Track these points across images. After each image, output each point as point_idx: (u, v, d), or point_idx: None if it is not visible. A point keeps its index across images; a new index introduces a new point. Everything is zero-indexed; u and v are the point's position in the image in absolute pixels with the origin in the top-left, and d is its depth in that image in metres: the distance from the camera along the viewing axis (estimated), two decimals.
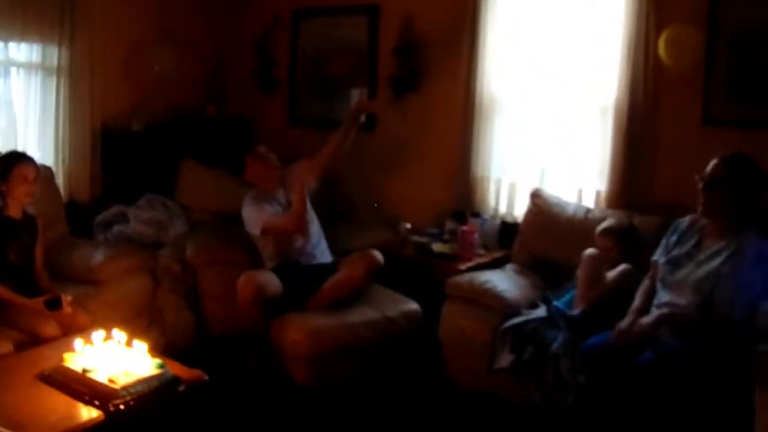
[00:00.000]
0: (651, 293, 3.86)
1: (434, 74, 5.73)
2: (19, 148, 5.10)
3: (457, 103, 5.52)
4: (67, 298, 4.08)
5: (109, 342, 3.49)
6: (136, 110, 6.07)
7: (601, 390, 3.62)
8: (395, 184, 5.94)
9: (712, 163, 3.68)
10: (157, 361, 3.41)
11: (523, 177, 5.37)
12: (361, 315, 4.67)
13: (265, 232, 4.87)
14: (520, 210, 5.31)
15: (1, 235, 4.22)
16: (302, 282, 4.74)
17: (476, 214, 5.40)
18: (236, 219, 5.14)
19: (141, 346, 3.44)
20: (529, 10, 5.24)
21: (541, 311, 4.29)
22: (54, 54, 5.41)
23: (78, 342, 3.46)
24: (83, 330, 3.87)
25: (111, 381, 3.22)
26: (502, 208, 5.48)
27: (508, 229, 5.32)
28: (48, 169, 5.21)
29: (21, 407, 3.15)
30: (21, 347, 3.80)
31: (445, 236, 5.38)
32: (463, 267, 4.94)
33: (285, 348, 4.51)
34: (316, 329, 4.48)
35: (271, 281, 4.63)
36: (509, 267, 4.91)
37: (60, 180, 5.51)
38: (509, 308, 4.37)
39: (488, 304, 4.43)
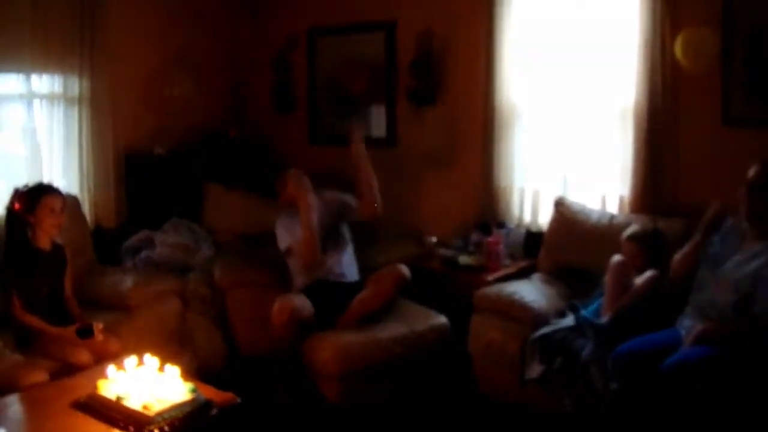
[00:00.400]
0: None
1: (453, 86, 5.75)
2: (45, 178, 5.19)
3: (477, 114, 5.54)
4: (98, 326, 4.13)
5: (142, 368, 3.51)
6: (158, 135, 6.12)
7: (633, 397, 3.60)
8: (419, 198, 5.94)
9: (754, 168, 3.70)
10: (190, 385, 3.42)
11: (546, 185, 5.37)
12: (389, 331, 4.67)
13: (288, 254, 4.91)
14: (544, 218, 5.31)
15: (31, 266, 4.26)
16: (331, 301, 4.75)
17: (501, 225, 5.40)
18: (262, 240, 5.17)
19: (173, 371, 3.46)
20: (544, 18, 5.24)
21: (569, 320, 4.28)
22: (75, 84, 5.46)
23: (111, 369, 3.48)
24: (115, 357, 3.88)
25: (145, 407, 3.23)
26: (527, 217, 5.48)
27: (533, 238, 5.32)
28: (74, 197, 5.25)
29: None
30: (55, 376, 3.82)
31: (471, 248, 5.38)
32: (490, 278, 4.95)
33: (316, 367, 4.52)
34: (345, 347, 4.49)
35: (305, 304, 4.65)
36: (536, 276, 4.91)
37: (86, 208, 5.54)
38: (537, 318, 4.36)
39: (516, 315, 4.44)
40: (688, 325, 3.76)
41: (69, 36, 5.35)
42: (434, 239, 5.48)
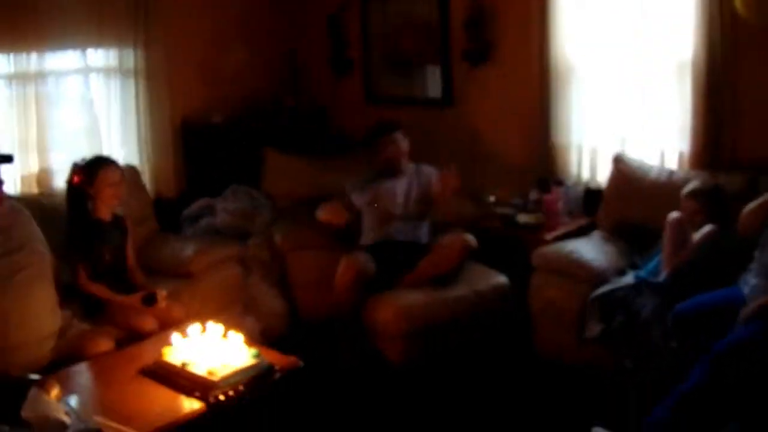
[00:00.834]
0: None
1: (507, 44, 5.67)
2: (104, 149, 5.31)
3: (533, 72, 5.46)
4: (162, 294, 4.21)
5: (206, 334, 3.58)
6: (214, 104, 6.16)
7: (693, 355, 3.57)
8: (476, 157, 5.89)
9: None
10: (253, 350, 3.47)
11: (604, 142, 5.28)
12: (451, 290, 4.69)
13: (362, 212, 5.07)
14: (603, 175, 5.24)
15: (93, 237, 4.35)
16: (394, 260, 4.80)
17: (559, 182, 5.35)
18: (321, 203, 5.20)
19: (236, 337, 3.52)
20: None
21: (629, 278, 4.25)
22: (130, 57, 5.53)
23: (176, 336, 3.55)
24: (179, 323, 3.96)
25: (210, 373, 3.30)
26: (585, 175, 5.41)
27: (592, 196, 5.27)
28: (133, 168, 5.35)
29: (126, 401, 3.27)
30: (121, 344, 3.92)
31: (530, 206, 5.34)
32: (549, 237, 4.92)
33: (377, 327, 4.57)
34: (407, 307, 4.53)
35: (369, 262, 4.71)
36: (595, 234, 4.87)
37: (146, 178, 5.63)
38: (597, 277, 4.34)
39: (576, 273, 4.42)
40: (753, 284, 3.66)
41: (123, 10, 5.41)
42: (493, 198, 5.46)
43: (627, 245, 4.67)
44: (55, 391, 3.01)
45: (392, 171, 5.06)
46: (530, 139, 5.57)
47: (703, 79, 4.68)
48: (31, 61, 5.05)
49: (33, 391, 2.95)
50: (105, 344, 3.82)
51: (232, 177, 5.95)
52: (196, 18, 6.09)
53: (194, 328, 3.58)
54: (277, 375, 3.45)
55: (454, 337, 4.67)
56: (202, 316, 3.78)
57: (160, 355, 3.49)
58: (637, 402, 3.82)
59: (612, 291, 4.19)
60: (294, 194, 5.91)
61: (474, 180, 5.63)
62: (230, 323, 3.75)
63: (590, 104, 5.31)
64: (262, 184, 6.05)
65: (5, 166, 4.19)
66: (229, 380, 3.29)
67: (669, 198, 4.45)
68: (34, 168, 5.14)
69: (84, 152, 5.07)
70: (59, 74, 5.26)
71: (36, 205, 4.54)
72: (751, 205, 3.81)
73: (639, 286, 4.13)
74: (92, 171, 4.38)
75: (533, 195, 5.33)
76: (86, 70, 5.40)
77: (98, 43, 5.36)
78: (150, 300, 4.18)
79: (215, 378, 3.28)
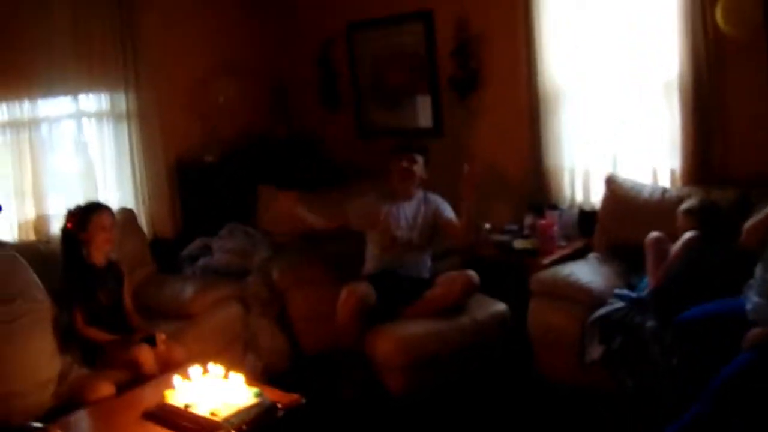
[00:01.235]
0: None
1: (495, 71, 5.72)
2: (100, 193, 5.38)
3: (522, 97, 5.50)
4: (160, 336, 4.22)
5: (207, 376, 3.59)
6: (207, 142, 6.20)
7: (694, 371, 3.57)
8: None
9: None
10: (255, 389, 3.48)
11: (595, 163, 5.32)
12: (450, 320, 4.69)
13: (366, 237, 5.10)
14: (596, 197, 5.27)
15: (88, 282, 4.36)
16: (397, 291, 4.81)
17: (553, 206, 5.37)
18: (319, 238, 5.21)
19: (237, 377, 3.52)
20: None
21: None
22: (122, 100, 5.58)
23: (177, 378, 3.56)
24: (180, 365, 3.95)
25: (213, 414, 3.30)
26: (579, 197, 5.44)
27: (587, 218, 5.28)
28: (129, 210, 5.38)
29: None
30: (121, 388, 3.90)
31: (525, 231, 5.36)
32: (546, 261, 4.92)
33: (378, 359, 4.56)
34: (407, 338, 4.53)
35: (370, 292, 4.71)
36: (592, 256, 4.89)
37: (142, 220, 5.66)
38: (595, 299, 4.35)
39: (574, 297, 4.43)
40: (755, 302, 3.63)
41: (111, 55, 5.47)
42: (488, 226, 5.45)
43: (623, 266, 4.68)
44: None
45: (401, 192, 5.06)
46: (522, 164, 5.61)
47: (690, 96, 4.72)
48: (24, 108, 5.10)
49: None
50: (106, 389, 3.81)
51: (227, 215, 5.98)
52: (184, 58, 6.14)
53: (196, 369, 3.59)
54: (280, 413, 3.45)
55: (455, 366, 4.66)
56: (203, 357, 3.79)
57: (163, 397, 3.49)
58: (640, 423, 3.82)
59: (610, 312, 4.21)
60: (291, 229, 5.92)
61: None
62: (232, 362, 3.76)
63: (580, 127, 5.34)
64: (258, 221, 6.08)
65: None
66: (233, 420, 3.29)
67: (663, 216, 4.49)
68: (30, 214, 5.16)
69: (80, 196, 5.16)
70: (52, 120, 5.29)
71: (33, 251, 4.56)
72: (753, 221, 3.81)
73: (637, 304, 4.14)
74: (85, 217, 4.41)
75: (528, 220, 5.36)
76: (79, 115, 5.44)
77: (89, 88, 5.42)
78: (148, 342, 4.18)
79: (218, 419, 3.28)
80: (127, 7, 5.52)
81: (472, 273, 4.85)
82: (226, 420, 3.28)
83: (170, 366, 4.06)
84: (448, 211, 5.07)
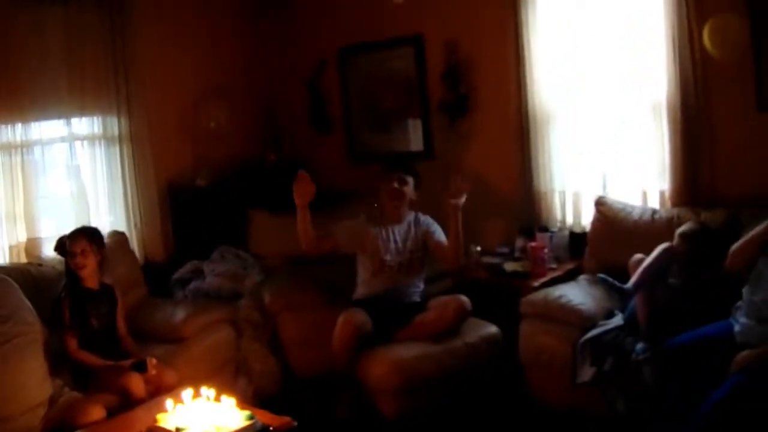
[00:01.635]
0: None
1: (485, 94, 5.76)
2: (92, 216, 5.39)
3: (511, 120, 5.56)
4: (152, 361, 4.20)
5: (199, 399, 3.58)
6: (199, 166, 6.21)
7: (684, 394, 3.58)
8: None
9: None
10: (247, 412, 3.47)
11: (585, 185, 5.35)
12: (442, 343, 4.67)
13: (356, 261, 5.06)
14: (587, 219, 5.29)
15: (81, 305, 4.36)
16: (389, 315, 4.79)
17: (544, 229, 5.40)
18: (310, 261, 5.21)
19: (229, 401, 3.52)
20: (570, 18, 5.23)
21: (617, 319, 4.28)
22: (114, 124, 5.59)
23: (169, 402, 3.54)
24: (171, 389, 3.97)
25: None
26: (569, 219, 5.46)
27: (577, 240, 5.31)
28: (121, 234, 5.39)
29: None
30: (112, 412, 3.88)
31: (516, 254, 5.38)
32: (536, 284, 4.94)
33: (371, 382, 4.54)
34: (400, 361, 4.51)
35: (366, 320, 4.68)
36: (582, 278, 4.90)
37: (134, 243, 5.65)
38: (586, 321, 4.37)
39: (564, 319, 4.44)
40: (743, 323, 3.67)
41: (104, 79, 5.48)
42: (478, 248, 5.47)
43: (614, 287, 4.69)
44: None
45: (391, 214, 5.04)
46: (513, 186, 5.64)
47: (678, 117, 4.76)
48: (17, 131, 5.08)
49: None
50: (97, 413, 3.79)
51: (219, 238, 5.98)
52: (176, 82, 6.17)
53: (187, 393, 3.58)
54: None
55: (447, 389, 4.65)
56: (194, 381, 3.78)
57: (154, 421, 3.48)
58: None
59: (601, 334, 4.22)
60: (281, 253, 5.93)
61: None
62: (223, 386, 3.75)
63: (570, 149, 5.38)
64: (249, 245, 6.08)
65: None
66: None
67: (653, 237, 4.49)
68: (22, 237, 5.13)
69: (71, 219, 5.16)
70: (45, 143, 5.28)
71: (25, 274, 4.57)
72: (738, 243, 3.85)
73: (628, 326, 4.16)
74: (63, 243, 4.46)
75: (519, 243, 5.38)
76: (71, 138, 5.44)
77: (82, 111, 5.41)
78: (140, 367, 4.16)
79: None
80: (120, 32, 5.54)
81: (464, 299, 4.83)
82: None
83: (161, 389, 4.08)
84: (439, 233, 5.05)
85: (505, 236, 5.61)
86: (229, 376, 4.99)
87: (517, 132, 5.52)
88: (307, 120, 6.83)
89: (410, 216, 5.09)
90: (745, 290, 3.78)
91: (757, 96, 4.57)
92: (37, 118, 5.20)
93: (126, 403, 3.99)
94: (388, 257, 4.95)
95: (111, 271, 4.68)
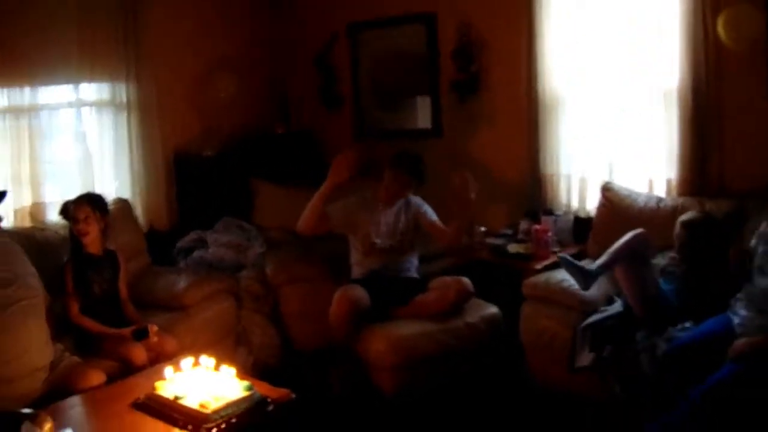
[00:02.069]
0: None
1: (495, 75, 5.75)
2: (96, 182, 5.38)
3: (521, 102, 5.54)
4: (153, 328, 4.21)
5: (198, 368, 3.59)
6: (206, 137, 6.21)
7: (683, 385, 3.58)
8: None
9: None
10: (245, 383, 3.48)
11: (592, 171, 5.34)
12: (443, 322, 4.68)
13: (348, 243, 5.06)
14: (592, 204, 5.30)
15: (83, 271, 4.37)
16: (388, 292, 4.80)
17: (549, 212, 5.41)
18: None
19: (228, 370, 3.53)
20: (584, 2, 5.20)
21: (617, 306, 4.28)
22: (122, 90, 5.57)
23: (168, 370, 3.56)
24: (171, 356, 3.99)
25: (202, 406, 3.29)
26: (575, 204, 5.46)
27: (581, 224, 5.32)
28: (125, 201, 5.39)
29: None
30: (112, 377, 3.91)
31: (520, 236, 5.38)
32: (539, 266, 4.94)
33: (370, 359, 4.56)
34: (399, 339, 4.52)
35: (363, 296, 4.69)
36: (585, 263, 4.88)
37: (138, 211, 5.66)
38: (587, 306, 4.37)
39: (565, 303, 4.45)
40: (743, 315, 3.66)
41: (114, 45, 5.46)
42: (483, 229, 5.48)
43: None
44: (47, 426, 3.00)
45: (384, 200, 5.03)
46: (520, 168, 5.63)
47: (688, 106, 4.75)
48: (25, 95, 5.07)
49: (25, 426, 2.94)
50: (96, 378, 3.80)
51: (224, 209, 5.99)
52: (186, 51, 6.15)
53: (187, 361, 3.60)
54: (270, 407, 3.45)
55: (446, 368, 4.66)
56: (194, 349, 3.79)
57: (153, 388, 3.49)
58: (627, 429, 3.84)
59: (602, 320, 4.22)
60: (285, 225, 5.92)
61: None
62: (223, 356, 3.76)
63: (578, 134, 5.37)
64: (253, 216, 6.09)
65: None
66: (222, 413, 3.28)
67: (657, 225, 4.51)
68: (27, 201, 5.14)
69: (76, 185, 5.14)
70: (52, 108, 5.28)
71: (29, 238, 4.56)
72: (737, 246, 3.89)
73: (629, 313, 4.17)
74: (67, 208, 4.46)
75: (523, 225, 5.38)
76: (79, 104, 5.43)
77: (90, 77, 5.40)
78: (141, 334, 4.18)
79: (208, 411, 3.26)
80: None
81: (466, 281, 4.83)
82: (216, 412, 3.27)
83: (162, 357, 4.09)
84: (430, 213, 5.05)
85: (510, 218, 5.61)
86: (229, 346, 5.01)
87: (525, 114, 5.51)
88: (315, 95, 6.81)
89: (401, 199, 5.07)
90: (746, 284, 3.78)
91: None
92: (45, 83, 5.19)
93: (126, 371, 4.02)
94: (378, 240, 4.95)
95: (114, 238, 4.68)
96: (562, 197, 5.49)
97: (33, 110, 5.13)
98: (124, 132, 5.62)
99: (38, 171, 5.17)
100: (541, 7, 5.31)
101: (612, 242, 4.71)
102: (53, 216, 4.91)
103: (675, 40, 4.75)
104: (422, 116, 6.25)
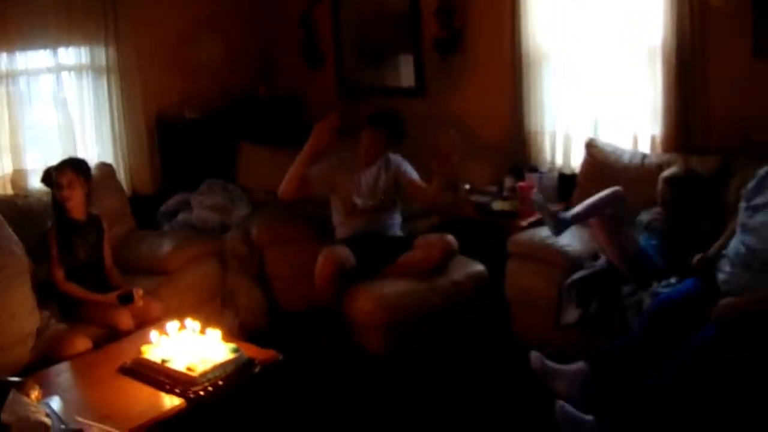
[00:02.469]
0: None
1: (478, 32, 5.70)
2: (78, 148, 5.33)
3: (504, 59, 5.50)
4: (138, 292, 4.21)
5: (184, 331, 3.60)
6: (188, 99, 6.15)
7: (668, 342, 3.59)
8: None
9: None
10: (232, 345, 3.49)
11: (577, 128, 5.32)
12: (428, 281, 4.70)
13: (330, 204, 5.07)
14: (576, 161, 5.28)
15: (67, 237, 4.35)
16: (373, 252, 4.80)
17: (533, 169, 5.39)
18: None
19: (214, 333, 3.53)
20: None
21: (603, 261, 4.29)
22: (102, 54, 5.51)
23: (154, 334, 3.57)
24: (157, 320, 4.00)
25: (189, 369, 3.31)
26: (559, 161, 5.44)
27: (566, 181, 5.30)
28: (108, 166, 5.36)
29: (107, 400, 3.27)
30: (99, 343, 3.92)
31: (505, 193, 5.37)
32: (524, 223, 4.95)
33: (356, 318, 4.58)
34: (385, 297, 4.54)
35: (348, 256, 4.70)
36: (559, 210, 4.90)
37: (122, 175, 5.63)
38: (572, 262, 4.39)
39: (550, 259, 4.46)
40: (728, 271, 3.65)
41: (92, 7, 5.37)
42: (468, 186, 5.47)
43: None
44: (35, 393, 3.01)
45: (362, 159, 5.02)
46: (504, 126, 5.60)
47: (673, 62, 4.72)
48: (2, 60, 5.01)
49: (12, 394, 2.95)
50: (82, 344, 3.82)
51: (208, 172, 5.96)
52: (166, 12, 6.08)
53: (173, 325, 3.60)
54: (257, 369, 3.47)
55: (433, 326, 4.69)
56: (180, 313, 3.80)
57: (139, 353, 3.50)
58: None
59: (588, 276, 4.24)
60: (270, 187, 5.89)
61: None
62: (209, 318, 3.77)
63: (562, 91, 5.34)
64: (238, 178, 6.07)
65: None
66: (209, 376, 3.31)
67: (642, 181, 4.52)
68: (7, 169, 5.09)
69: (58, 151, 5.10)
70: (31, 73, 5.21)
71: (10, 206, 4.54)
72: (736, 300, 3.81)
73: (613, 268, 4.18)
74: (49, 175, 4.43)
75: (508, 182, 5.37)
76: (58, 69, 5.36)
77: (69, 41, 5.33)
78: (127, 299, 4.18)
79: (195, 374, 3.29)
80: None
81: (451, 239, 4.85)
82: (203, 375, 3.29)
83: (147, 321, 4.10)
84: (410, 172, 5.05)
85: (495, 175, 5.60)
86: (215, 309, 5.00)
87: (509, 71, 5.47)
88: (298, 55, 6.76)
89: (381, 158, 5.06)
90: (732, 241, 3.77)
91: (753, 43, 4.51)
92: (23, 48, 5.11)
93: (112, 336, 4.03)
94: (359, 201, 4.95)
95: (98, 203, 4.65)
96: (547, 154, 5.47)
97: (11, 76, 5.07)
98: (104, 96, 5.57)
99: (18, 138, 5.12)
100: None
101: None
102: (35, 183, 4.87)
103: None
104: (405, 75, 6.20)
